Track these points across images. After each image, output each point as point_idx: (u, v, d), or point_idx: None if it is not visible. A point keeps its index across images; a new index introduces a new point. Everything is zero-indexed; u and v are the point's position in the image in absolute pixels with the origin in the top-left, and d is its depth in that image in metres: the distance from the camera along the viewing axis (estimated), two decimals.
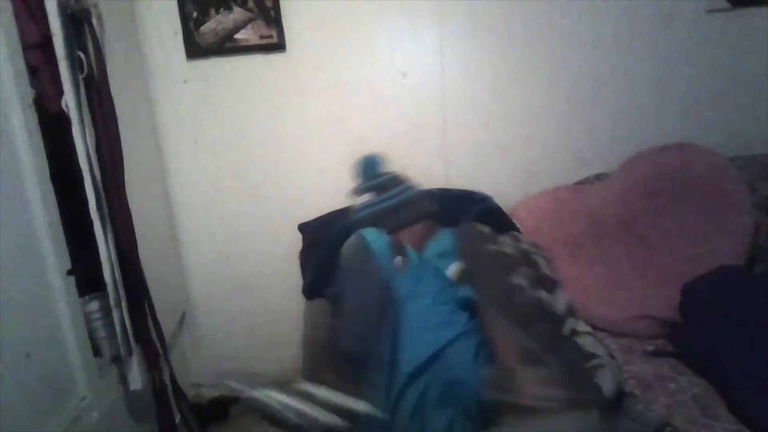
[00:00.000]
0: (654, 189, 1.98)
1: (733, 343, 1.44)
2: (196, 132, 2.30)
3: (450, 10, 2.16)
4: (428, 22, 2.17)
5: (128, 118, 1.83)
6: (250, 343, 2.52)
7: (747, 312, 1.51)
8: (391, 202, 1.66)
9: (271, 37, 2.18)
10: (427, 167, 2.27)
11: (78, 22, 1.56)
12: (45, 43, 1.51)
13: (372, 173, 1.77)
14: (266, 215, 2.37)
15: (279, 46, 2.19)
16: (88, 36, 1.59)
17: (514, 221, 2.02)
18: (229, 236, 2.40)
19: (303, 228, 2.11)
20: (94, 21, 1.62)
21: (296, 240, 2.18)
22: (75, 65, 1.52)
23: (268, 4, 2.15)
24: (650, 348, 1.67)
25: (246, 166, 2.32)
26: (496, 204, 2.05)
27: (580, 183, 2.22)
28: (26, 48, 1.46)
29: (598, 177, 2.20)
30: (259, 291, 2.45)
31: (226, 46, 2.19)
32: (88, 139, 1.56)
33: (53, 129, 1.52)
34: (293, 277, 2.14)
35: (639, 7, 2.12)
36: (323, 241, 1.98)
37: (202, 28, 2.17)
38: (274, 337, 2.50)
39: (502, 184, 2.25)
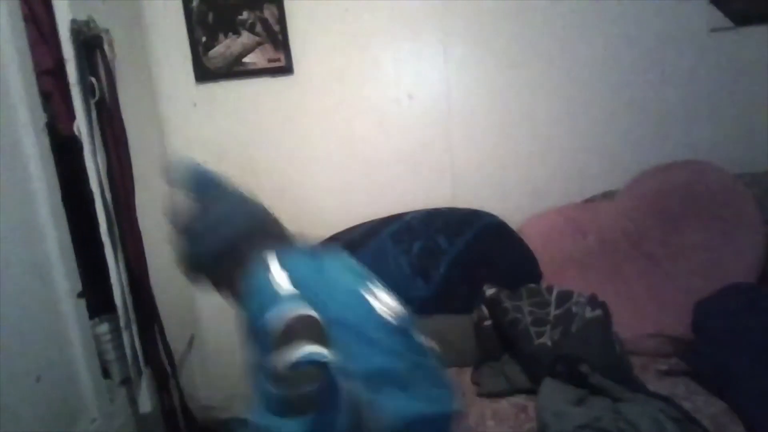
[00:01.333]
0: (663, 206, 1.98)
1: (747, 361, 1.43)
2: (204, 154, 2.29)
3: (455, 32, 2.18)
4: (433, 43, 2.19)
5: (139, 142, 1.85)
6: None
7: (760, 329, 1.50)
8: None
9: (278, 60, 2.21)
10: (433, 187, 2.27)
11: (90, 48, 1.59)
12: (58, 69, 1.54)
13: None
14: None
15: (286, 69, 2.22)
16: (100, 62, 1.62)
17: (522, 238, 2.02)
18: None
19: None
20: (106, 47, 1.65)
21: None
22: (87, 90, 1.55)
23: (276, 28, 2.18)
24: (664, 367, 1.65)
25: (254, 187, 2.31)
26: (502, 221, 2.05)
27: (587, 201, 2.22)
28: (39, 74, 1.49)
29: (606, 195, 2.19)
30: None
31: (234, 70, 2.22)
32: (99, 162, 1.58)
33: (65, 153, 1.54)
34: None
35: (644, 27, 2.14)
36: None
37: (211, 53, 2.21)
38: None
39: (509, 203, 2.24)
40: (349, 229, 2.07)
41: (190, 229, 1.22)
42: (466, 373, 1.74)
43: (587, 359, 1.50)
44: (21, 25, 1.43)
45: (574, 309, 1.65)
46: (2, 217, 1.28)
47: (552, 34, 2.17)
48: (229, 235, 1.19)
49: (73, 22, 1.55)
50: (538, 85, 2.21)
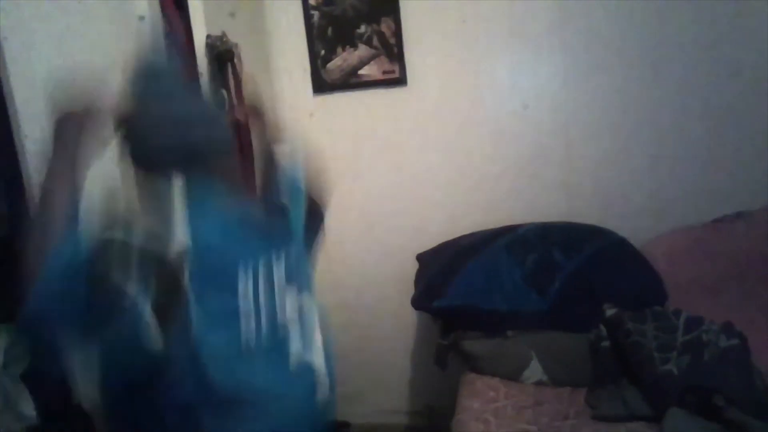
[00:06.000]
0: None
1: None
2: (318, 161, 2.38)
3: (574, 42, 2.11)
4: (552, 52, 2.14)
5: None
6: (360, 375, 2.41)
7: None
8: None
9: (393, 72, 2.24)
10: (548, 201, 2.20)
11: (222, 62, 1.69)
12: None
13: None
14: (382, 245, 2.38)
15: (400, 81, 2.24)
16: (230, 74, 1.71)
17: (646, 259, 1.90)
18: (345, 265, 2.41)
19: (421, 258, 2.11)
20: (236, 61, 1.75)
21: (411, 270, 2.17)
22: (220, 102, 1.64)
23: (392, 41, 2.21)
24: None
25: (364, 195, 2.36)
26: (625, 239, 1.94)
27: (717, 221, 2.05)
28: None
29: (740, 215, 2.01)
30: (372, 324, 2.44)
31: (350, 82, 2.28)
32: None
33: None
34: (405, 306, 2.10)
35: None
36: (438, 260, 2.01)
37: (329, 65, 2.28)
38: (384, 369, 2.48)
39: (629, 221, 2.10)
40: (461, 237, 2.05)
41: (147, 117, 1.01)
42: (580, 394, 1.66)
43: (722, 391, 1.38)
44: (162, 39, 1.54)
45: (705, 336, 1.53)
46: None
47: (676, 44, 2.05)
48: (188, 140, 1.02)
49: (208, 37, 1.66)
50: (667, 96, 2.08)
